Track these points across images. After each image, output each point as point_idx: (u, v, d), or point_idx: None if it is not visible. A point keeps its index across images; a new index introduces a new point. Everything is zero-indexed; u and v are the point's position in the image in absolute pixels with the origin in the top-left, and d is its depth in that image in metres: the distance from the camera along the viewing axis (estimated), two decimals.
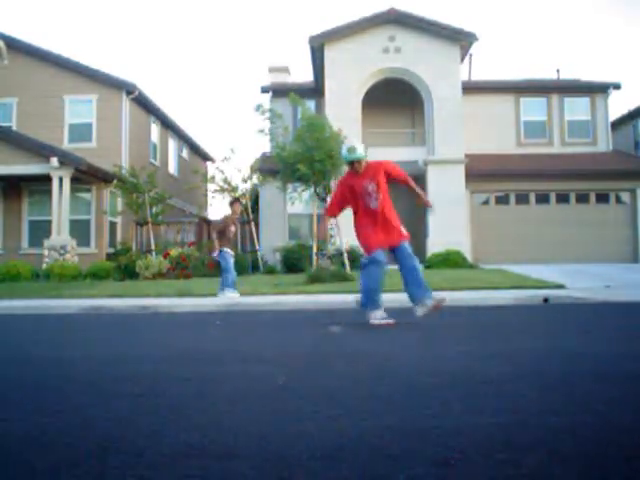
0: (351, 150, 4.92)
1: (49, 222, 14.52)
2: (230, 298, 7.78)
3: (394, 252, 4.93)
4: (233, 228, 8.57)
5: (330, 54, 15.50)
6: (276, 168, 13.38)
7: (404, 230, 4.97)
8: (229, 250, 8.38)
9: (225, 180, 14.12)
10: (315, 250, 12.61)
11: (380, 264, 4.84)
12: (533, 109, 17.99)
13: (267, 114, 13.02)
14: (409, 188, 5.10)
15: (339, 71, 15.41)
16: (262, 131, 13.00)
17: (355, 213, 5.04)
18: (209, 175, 14.86)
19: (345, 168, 13.33)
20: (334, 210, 5.20)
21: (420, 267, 4.96)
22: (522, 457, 1.55)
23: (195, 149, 23.87)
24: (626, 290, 7.71)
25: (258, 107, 12.82)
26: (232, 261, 8.34)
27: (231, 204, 8.83)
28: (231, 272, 8.20)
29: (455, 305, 6.68)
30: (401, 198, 16.53)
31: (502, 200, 16.50)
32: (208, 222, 17.25)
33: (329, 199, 5.31)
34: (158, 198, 15.09)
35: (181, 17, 72.31)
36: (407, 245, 4.92)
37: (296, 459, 1.57)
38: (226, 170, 14.27)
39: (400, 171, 5.08)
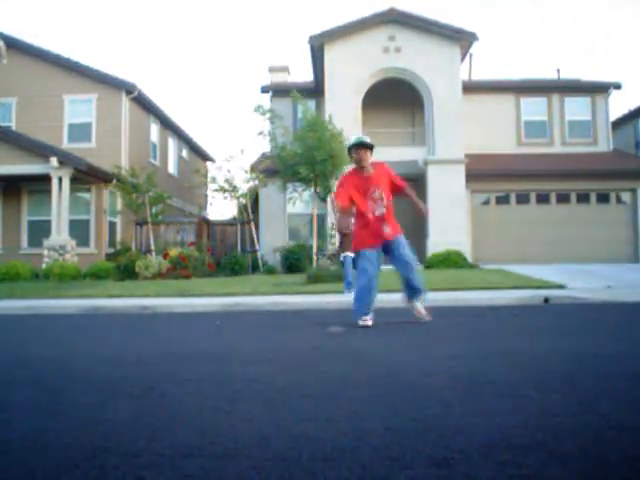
0: (360, 138, 4.93)
1: (49, 222, 14.52)
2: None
3: (389, 246, 4.87)
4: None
5: (330, 54, 15.50)
6: (276, 168, 13.38)
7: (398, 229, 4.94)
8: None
9: (227, 180, 14.09)
10: (315, 250, 12.61)
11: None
12: (533, 109, 17.98)
13: (267, 115, 13.02)
14: (407, 197, 5.08)
15: (339, 71, 15.40)
16: (262, 133, 13.00)
17: (358, 213, 4.92)
18: (210, 175, 14.81)
19: (347, 168, 13.28)
20: (345, 200, 4.86)
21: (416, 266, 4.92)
22: (522, 457, 1.54)
23: (195, 149, 23.88)
24: (627, 290, 7.70)
25: (258, 108, 12.81)
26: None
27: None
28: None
29: (455, 305, 6.68)
30: (402, 196, 16.57)
31: (502, 200, 16.50)
32: (208, 222, 17.24)
33: (334, 194, 5.33)
34: (157, 198, 15.08)
35: (181, 17, 72.34)
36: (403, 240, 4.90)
37: (296, 459, 1.57)
38: (229, 169, 14.22)
39: (401, 181, 5.02)
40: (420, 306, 4.96)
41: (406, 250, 4.85)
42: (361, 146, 4.83)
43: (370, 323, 4.72)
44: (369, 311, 4.77)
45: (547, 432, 1.77)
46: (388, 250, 4.87)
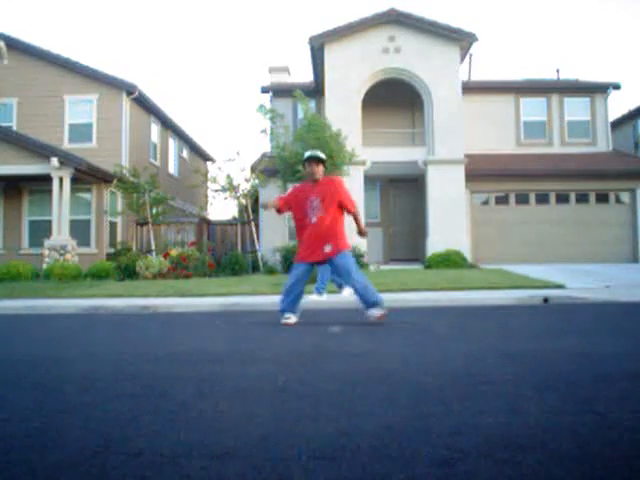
0: (314, 152, 5.09)
1: (49, 222, 14.52)
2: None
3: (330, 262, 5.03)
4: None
5: (330, 54, 15.49)
6: (276, 168, 13.38)
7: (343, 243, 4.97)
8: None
9: (228, 180, 14.08)
10: None
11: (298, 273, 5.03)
12: (533, 109, 17.97)
13: (269, 114, 13.04)
14: (354, 218, 5.17)
15: (339, 71, 15.39)
16: (264, 131, 13.04)
17: (296, 221, 5.14)
18: (211, 175, 14.79)
19: (346, 168, 13.25)
20: (281, 205, 5.18)
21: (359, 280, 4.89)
22: (522, 457, 1.55)
23: (195, 149, 23.87)
24: (626, 290, 7.70)
25: (260, 107, 12.86)
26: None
27: None
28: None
29: (455, 305, 6.68)
30: (402, 197, 16.57)
31: (502, 200, 16.49)
32: (208, 222, 17.24)
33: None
34: (159, 199, 15.07)
35: (181, 17, 72.33)
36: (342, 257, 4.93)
37: (296, 459, 1.57)
38: (229, 169, 14.22)
39: (350, 203, 5.05)
40: (375, 312, 4.87)
41: (346, 267, 4.89)
42: (312, 160, 5.00)
43: (292, 322, 4.93)
44: (294, 310, 5.00)
45: (547, 432, 1.77)
46: (330, 262, 5.03)
